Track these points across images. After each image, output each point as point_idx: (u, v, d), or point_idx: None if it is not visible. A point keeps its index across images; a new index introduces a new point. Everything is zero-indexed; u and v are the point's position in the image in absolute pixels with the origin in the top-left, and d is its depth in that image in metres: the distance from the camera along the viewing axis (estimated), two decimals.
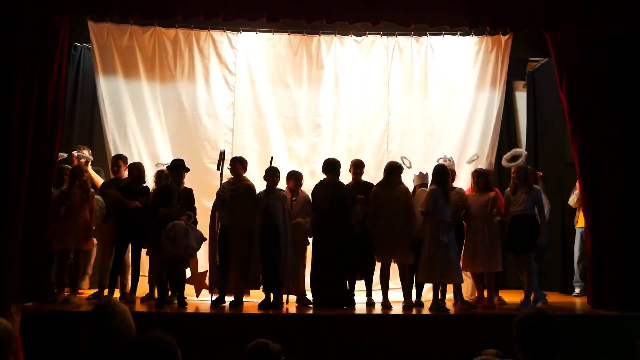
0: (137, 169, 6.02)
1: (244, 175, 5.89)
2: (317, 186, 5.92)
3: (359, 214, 5.70)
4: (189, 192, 5.73)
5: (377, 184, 5.87)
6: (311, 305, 5.66)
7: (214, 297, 5.65)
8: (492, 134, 6.95)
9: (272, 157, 5.95)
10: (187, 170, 5.80)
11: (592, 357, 4.84)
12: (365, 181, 6.05)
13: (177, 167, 5.69)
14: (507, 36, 6.98)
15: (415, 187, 6.02)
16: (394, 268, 5.85)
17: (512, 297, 6.24)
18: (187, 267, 5.75)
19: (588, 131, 5.94)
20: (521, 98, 8.55)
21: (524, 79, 8.45)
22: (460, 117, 7.05)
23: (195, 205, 5.87)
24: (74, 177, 5.80)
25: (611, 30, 5.82)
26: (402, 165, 6.13)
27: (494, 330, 4.59)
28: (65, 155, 6.45)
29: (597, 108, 5.93)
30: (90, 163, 6.44)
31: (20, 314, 2.88)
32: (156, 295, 5.82)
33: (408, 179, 6.27)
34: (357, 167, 6.01)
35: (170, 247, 5.31)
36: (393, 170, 5.82)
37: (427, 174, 6.01)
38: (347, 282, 5.76)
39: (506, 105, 8.58)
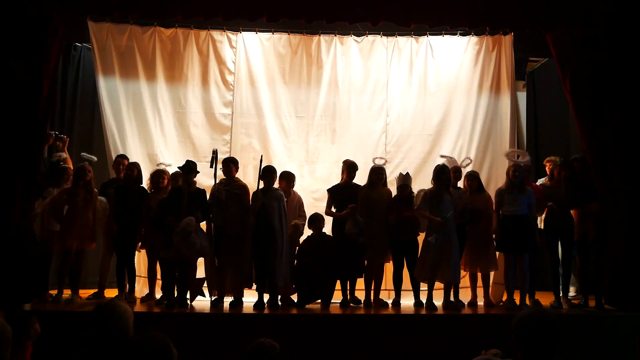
0: (137, 169, 6.01)
1: (236, 175, 5.91)
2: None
3: (361, 224, 5.75)
4: (201, 193, 5.67)
5: (364, 186, 5.98)
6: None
7: (213, 298, 5.64)
8: (509, 135, 6.92)
9: (261, 156, 5.94)
10: (197, 172, 5.72)
11: (592, 357, 4.84)
12: (355, 183, 6.09)
13: (185, 168, 5.65)
14: (507, 36, 6.97)
15: (397, 188, 5.98)
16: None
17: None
18: (194, 271, 5.65)
19: (596, 130, 5.91)
20: (521, 98, 8.52)
21: (524, 79, 8.44)
22: (460, 117, 7.04)
23: None
24: (77, 177, 5.77)
25: (611, 30, 5.82)
26: (380, 165, 6.17)
27: (494, 330, 4.59)
28: (64, 155, 6.42)
29: (602, 107, 5.91)
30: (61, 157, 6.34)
31: (38, 325, 2.91)
32: (157, 296, 5.83)
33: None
34: (351, 168, 6.05)
35: (183, 245, 5.25)
36: (371, 172, 5.98)
37: (407, 174, 6.02)
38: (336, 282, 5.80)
39: None
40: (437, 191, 5.65)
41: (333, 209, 6.00)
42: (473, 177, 6.09)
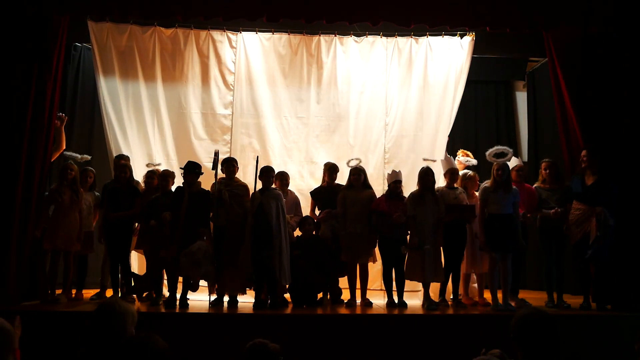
0: (130, 170, 6.02)
1: (236, 175, 5.93)
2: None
3: (335, 229, 5.87)
4: (203, 194, 5.65)
5: (343, 187, 6.04)
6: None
7: (213, 298, 5.65)
8: (440, 133, 6.89)
9: (257, 157, 5.94)
10: (196, 173, 5.68)
11: (592, 357, 4.84)
12: (337, 184, 6.16)
13: (186, 169, 5.65)
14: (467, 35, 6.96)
15: (389, 185, 6.00)
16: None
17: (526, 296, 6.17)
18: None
19: (596, 130, 5.90)
20: (521, 98, 8.56)
21: (524, 79, 8.47)
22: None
23: None
24: (61, 176, 5.68)
25: (610, 30, 5.83)
26: (357, 166, 6.15)
27: (494, 330, 4.58)
28: (89, 157, 6.51)
29: (601, 107, 5.91)
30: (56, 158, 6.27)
31: (20, 327, 2.89)
32: (154, 295, 5.84)
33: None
34: (332, 170, 6.14)
35: (189, 267, 5.31)
36: (350, 173, 6.03)
37: (399, 171, 6.06)
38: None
39: (506, 105, 8.64)
40: (421, 193, 5.76)
41: (317, 211, 6.12)
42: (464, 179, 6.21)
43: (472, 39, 6.93)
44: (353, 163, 6.33)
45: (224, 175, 5.84)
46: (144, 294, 5.80)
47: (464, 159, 6.68)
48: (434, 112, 7.02)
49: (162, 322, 4.96)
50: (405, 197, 5.93)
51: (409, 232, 5.81)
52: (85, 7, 5.85)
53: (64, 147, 6.18)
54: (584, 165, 5.68)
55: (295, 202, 6.16)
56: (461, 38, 7.00)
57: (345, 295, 5.97)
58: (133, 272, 6.02)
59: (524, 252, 5.94)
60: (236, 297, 5.64)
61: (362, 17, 5.93)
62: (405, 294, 5.87)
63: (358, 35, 7.10)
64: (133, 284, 5.83)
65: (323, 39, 7.09)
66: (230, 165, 5.85)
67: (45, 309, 5.25)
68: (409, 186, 6.19)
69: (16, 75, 5.58)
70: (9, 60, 5.59)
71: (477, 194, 6.00)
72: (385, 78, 7.09)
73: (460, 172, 6.30)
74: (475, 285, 6.27)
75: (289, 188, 6.21)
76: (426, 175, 5.81)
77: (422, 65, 7.09)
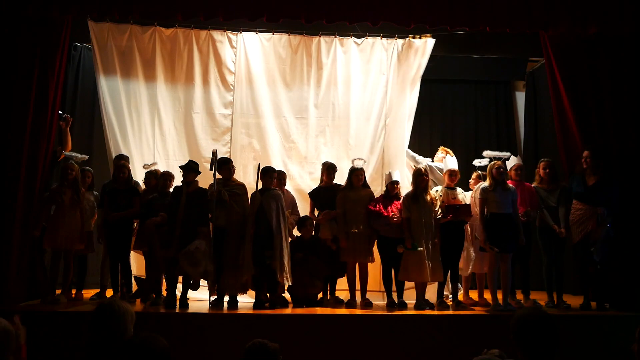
0: (128, 170, 6.03)
1: (234, 176, 5.96)
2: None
3: (335, 230, 5.87)
4: (202, 193, 5.67)
5: (342, 187, 6.04)
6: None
7: (213, 298, 5.65)
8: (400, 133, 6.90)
9: (259, 164, 5.93)
10: (196, 172, 5.73)
11: (592, 357, 4.84)
12: (336, 184, 6.17)
13: (185, 168, 5.68)
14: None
15: (387, 186, 6.03)
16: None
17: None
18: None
19: (595, 132, 5.91)
20: (521, 98, 8.57)
21: (524, 79, 8.47)
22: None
23: None
24: (62, 176, 5.68)
25: (610, 30, 5.83)
26: (358, 166, 6.16)
27: (494, 330, 4.58)
28: (86, 157, 6.52)
29: (599, 107, 5.92)
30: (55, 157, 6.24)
31: (23, 327, 2.87)
32: (154, 295, 5.84)
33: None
34: (331, 169, 6.14)
35: (188, 267, 5.32)
36: (350, 172, 6.01)
37: (397, 172, 6.08)
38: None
39: (506, 105, 8.65)
40: (415, 194, 5.77)
41: (316, 212, 6.11)
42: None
43: (426, 41, 6.95)
44: (358, 163, 6.33)
45: (220, 176, 5.84)
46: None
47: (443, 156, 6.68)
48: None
49: (162, 322, 4.96)
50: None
51: None
52: (85, 7, 5.86)
53: (70, 148, 6.18)
54: (585, 165, 5.69)
55: (292, 202, 6.17)
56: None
57: (345, 296, 5.97)
58: (136, 276, 6.01)
59: (529, 252, 5.94)
60: (236, 297, 5.65)
61: (362, 17, 5.94)
62: (405, 293, 5.87)
63: (358, 36, 7.09)
64: (137, 289, 5.81)
65: (323, 39, 7.08)
66: (227, 166, 5.86)
67: (45, 309, 5.26)
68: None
69: (17, 75, 5.59)
70: (10, 60, 5.59)
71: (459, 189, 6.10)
72: (385, 78, 7.08)
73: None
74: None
75: (285, 187, 6.22)
76: (419, 175, 5.81)
77: (420, 67, 7.07)
